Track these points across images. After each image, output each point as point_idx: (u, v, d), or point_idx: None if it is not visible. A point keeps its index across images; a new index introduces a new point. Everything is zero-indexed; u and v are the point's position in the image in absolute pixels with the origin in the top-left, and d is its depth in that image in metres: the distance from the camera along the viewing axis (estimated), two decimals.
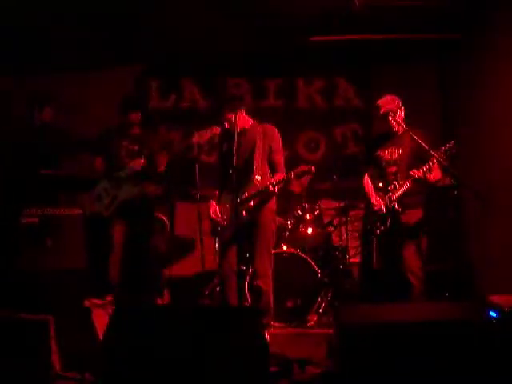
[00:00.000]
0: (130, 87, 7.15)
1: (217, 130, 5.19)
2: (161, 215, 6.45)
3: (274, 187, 4.79)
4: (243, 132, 5.01)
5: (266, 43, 6.74)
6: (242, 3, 5.92)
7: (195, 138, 5.43)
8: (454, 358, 3.03)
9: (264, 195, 4.90)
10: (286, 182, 4.93)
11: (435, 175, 4.90)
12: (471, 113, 6.39)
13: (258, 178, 4.86)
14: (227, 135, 4.99)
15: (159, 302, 5.90)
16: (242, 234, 4.85)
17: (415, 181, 4.88)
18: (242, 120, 5.02)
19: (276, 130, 5.10)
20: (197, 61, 7.19)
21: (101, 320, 4.09)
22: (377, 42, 6.71)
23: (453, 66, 6.95)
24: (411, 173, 4.88)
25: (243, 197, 4.86)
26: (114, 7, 5.80)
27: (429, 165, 4.79)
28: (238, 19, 6.21)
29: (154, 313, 3.50)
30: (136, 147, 5.70)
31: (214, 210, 5.03)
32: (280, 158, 5.06)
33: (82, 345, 3.84)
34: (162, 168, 5.64)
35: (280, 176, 4.84)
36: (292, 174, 4.71)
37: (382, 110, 5.13)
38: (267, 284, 4.95)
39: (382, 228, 5.10)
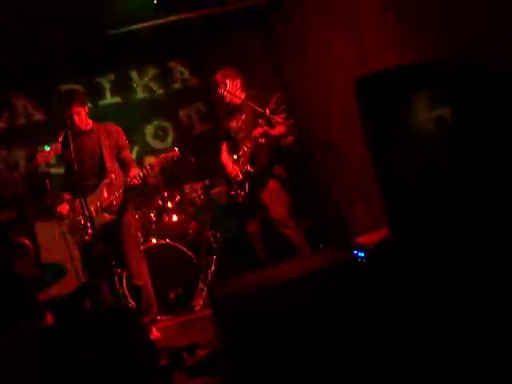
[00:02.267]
0: None
1: (58, 146, 4.98)
2: (22, 239, 6.17)
3: (138, 179, 4.78)
4: (86, 133, 4.92)
5: (88, 41, 6.53)
6: (58, 5, 5.70)
7: (39, 160, 5.17)
8: (330, 307, 3.06)
9: (127, 192, 4.88)
10: (151, 173, 4.93)
11: (279, 130, 5.08)
12: (300, 67, 6.52)
13: (113, 176, 4.84)
14: (72, 137, 4.73)
15: (42, 326, 5.68)
16: (108, 236, 4.82)
17: (261, 136, 5.04)
18: (84, 121, 4.92)
19: (118, 127, 5.07)
20: (23, 73, 6.80)
21: None
22: (200, 18, 6.67)
23: (277, 28, 7.05)
24: (254, 133, 5.06)
25: (104, 197, 4.81)
26: None
27: (264, 121, 4.97)
28: (57, 21, 6.00)
29: (33, 338, 3.36)
30: None
31: (67, 209, 4.94)
32: (129, 154, 5.14)
33: None
34: (16, 191, 5.36)
35: (136, 170, 4.86)
36: (157, 164, 4.78)
37: (214, 83, 5.34)
38: (144, 281, 4.94)
39: (243, 193, 5.22)
